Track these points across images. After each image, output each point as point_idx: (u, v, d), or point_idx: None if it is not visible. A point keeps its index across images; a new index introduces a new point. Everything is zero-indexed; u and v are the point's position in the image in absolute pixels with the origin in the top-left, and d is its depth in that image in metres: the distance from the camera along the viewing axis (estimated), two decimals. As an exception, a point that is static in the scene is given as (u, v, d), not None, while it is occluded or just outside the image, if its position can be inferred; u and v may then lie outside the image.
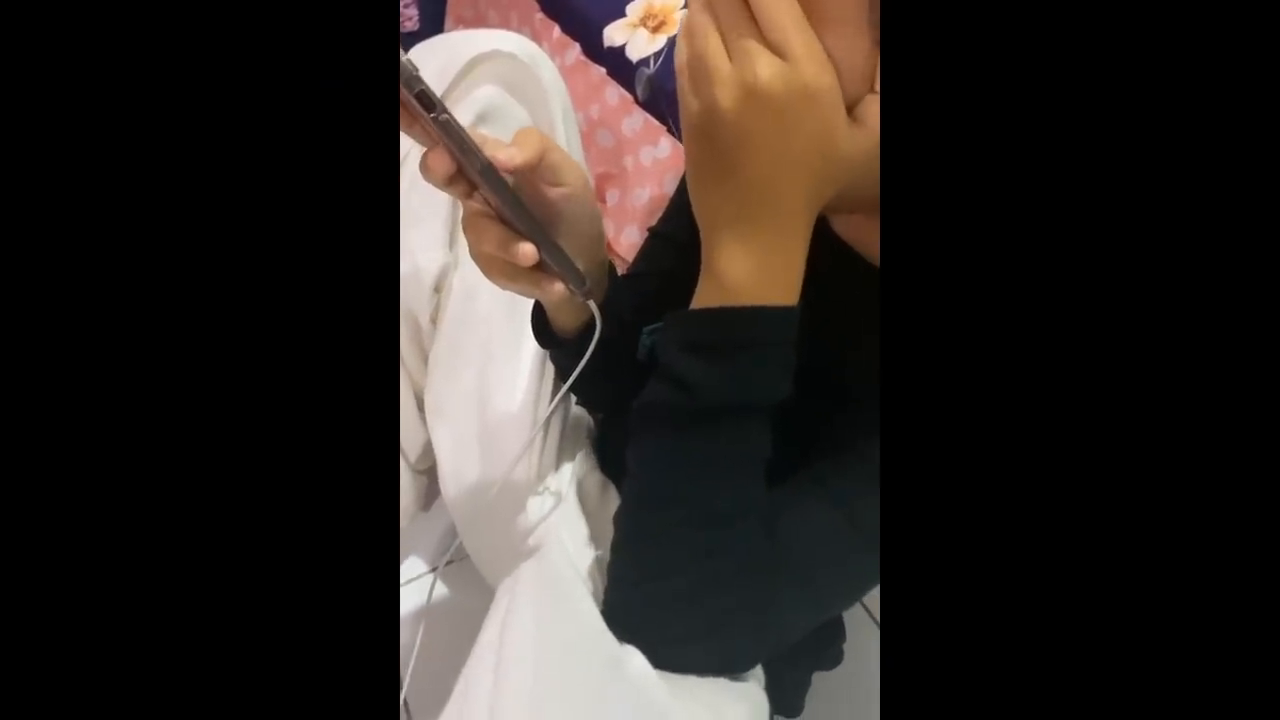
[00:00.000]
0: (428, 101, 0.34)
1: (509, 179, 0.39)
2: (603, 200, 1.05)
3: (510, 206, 0.39)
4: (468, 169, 0.37)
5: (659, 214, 0.96)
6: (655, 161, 0.94)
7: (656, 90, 0.92)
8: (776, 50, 0.33)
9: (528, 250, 0.39)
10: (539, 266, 0.41)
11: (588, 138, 1.01)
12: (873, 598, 0.81)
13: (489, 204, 0.40)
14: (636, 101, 0.95)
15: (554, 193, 0.42)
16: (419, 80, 0.33)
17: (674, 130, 0.91)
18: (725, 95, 0.33)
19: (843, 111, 0.34)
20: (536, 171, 0.40)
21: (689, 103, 0.36)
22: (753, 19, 0.33)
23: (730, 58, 0.34)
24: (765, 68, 0.33)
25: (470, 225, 0.41)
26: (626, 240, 1.00)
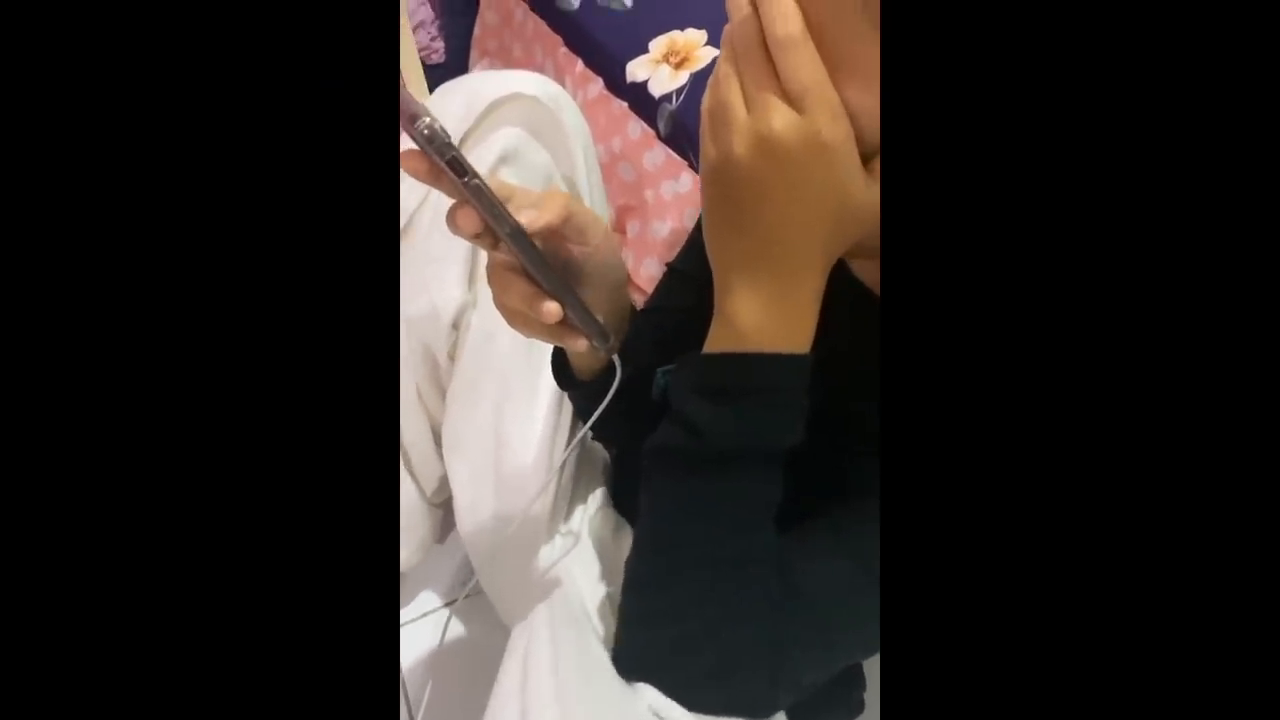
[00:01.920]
0: (459, 167, 0.35)
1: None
2: (623, 232, 1.06)
3: (537, 266, 0.40)
4: (497, 230, 0.38)
5: (678, 247, 0.97)
6: (676, 196, 0.95)
7: (678, 126, 0.92)
8: (793, 101, 0.33)
9: (553, 309, 0.40)
10: (563, 322, 0.42)
11: (609, 170, 1.02)
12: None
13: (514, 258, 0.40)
14: (658, 136, 0.95)
15: (578, 250, 0.43)
16: (451, 147, 0.34)
17: (695, 165, 0.92)
18: (740, 144, 0.34)
19: (857, 164, 0.34)
20: (562, 231, 0.41)
21: (707, 149, 0.36)
22: (774, 70, 0.33)
23: (748, 107, 0.34)
24: (779, 119, 0.33)
25: (495, 278, 0.42)
26: (646, 273, 1.01)
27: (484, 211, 0.37)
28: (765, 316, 0.37)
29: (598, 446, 0.69)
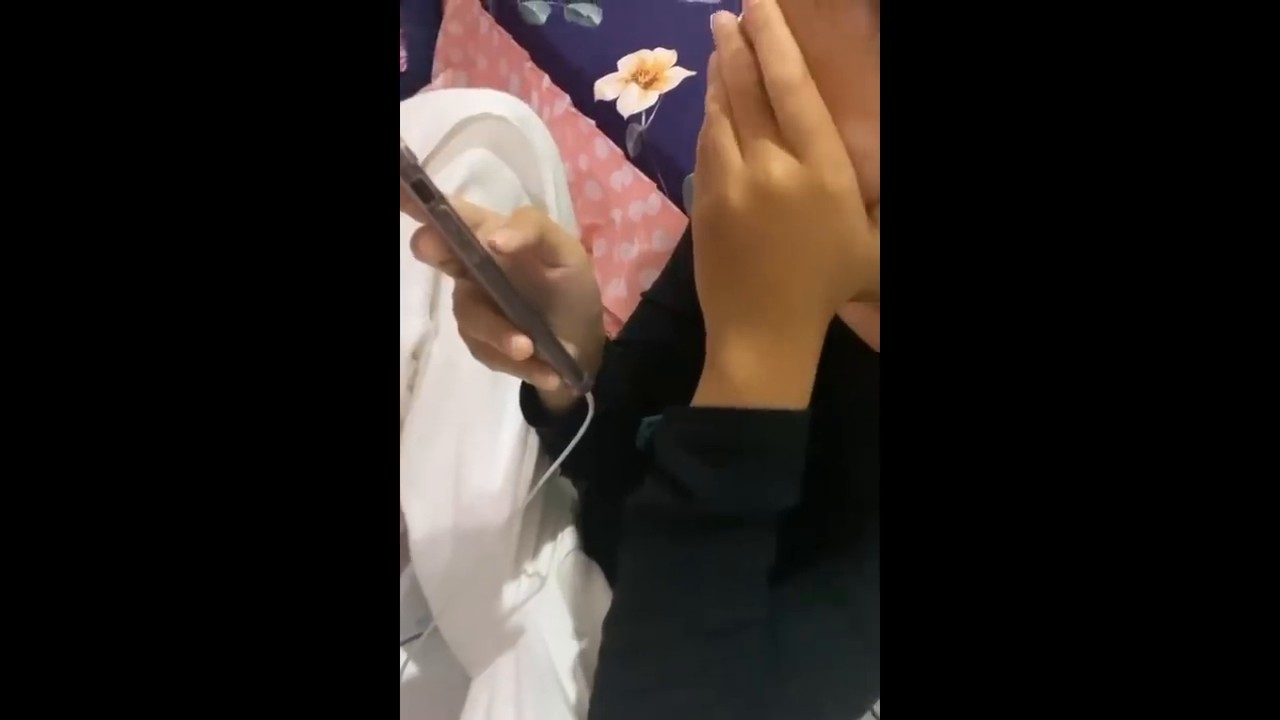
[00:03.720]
0: (425, 191, 0.33)
1: (504, 263, 0.37)
2: (589, 250, 1.03)
3: (506, 298, 0.37)
4: (464, 260, 0.35)
5: (648, 269, 0.95)
6: (645, 217, 0.93)
7: (647, 147, 0.90)
8: (793, 148, 0.31)
9: (522, 344, 0.38)
10: (533, 357, 0.39)
11: (575, 188, 0.99)
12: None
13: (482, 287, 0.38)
14: (627, 156, 0.94)
15: (553, 273, 0.40)
16: (418, 169, 0.32)
17: (664, 187, 0.90)
18: (736, 192, 0.32)
19: (862, 215, 0.32)
20: (535, 252, 0.38)
21: (699, 194, 0.34)
22: (771, 111, 0.31)
23: (743, 152, 0.32)
24: (779, 167, 0.31)
25: (461, 308, 0.39)
26: (613, 293, 0.98)
27: (451, 239, 0.34)
28: (761, 370, 0.35)
29: (565, 482, 0.66)
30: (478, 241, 0.35)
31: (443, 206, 0.33)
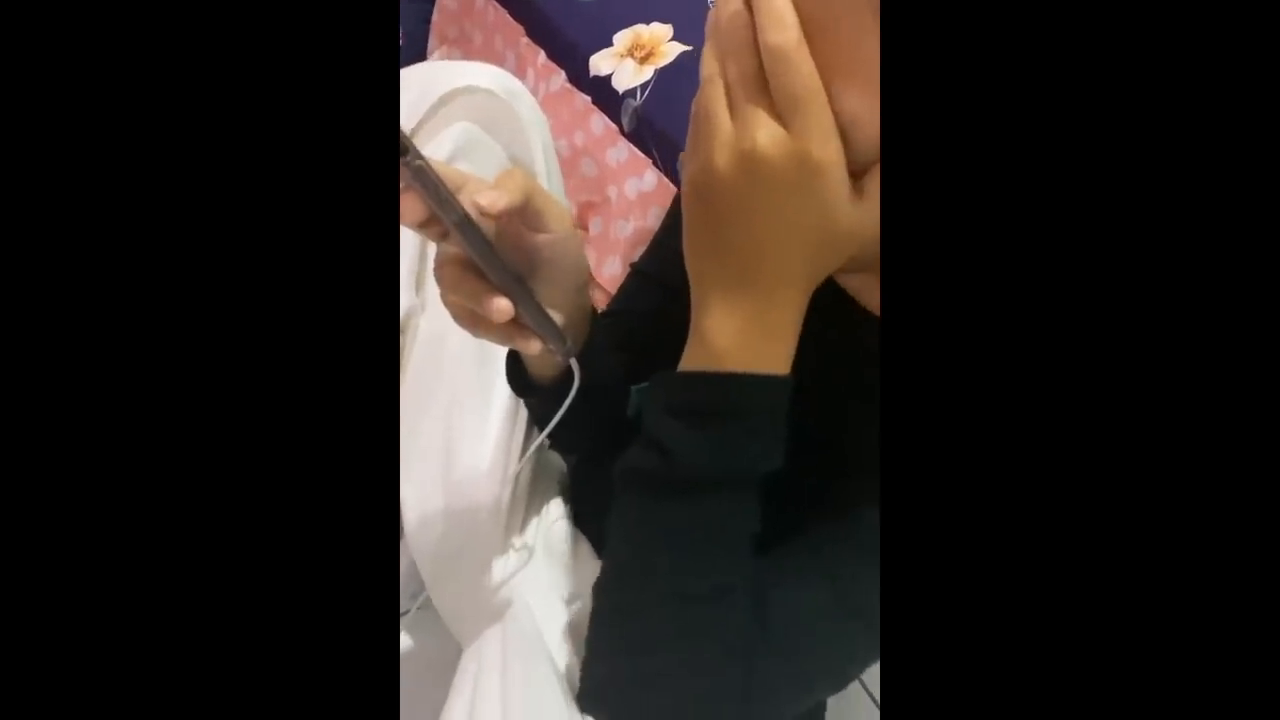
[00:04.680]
0: (399, 147, 0.31)
1: (489, 227, 0.36)
2: (585, 228, 1.03)
3: (486, 259, 0.37)
4: (443, 218, 0.34)
5: (642, 246, 0.95)
6: (640, 194, 0.92)
7: (642, 123, 0.90)
8: (782, 115, 0.30)
9: (503, 306, 0.37)
10: (515, 320, 0.39)
11: (571, 165, 0.99)
12: (871, 676, 0.79)
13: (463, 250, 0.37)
14: (622, 132, 0.93)
15: (538, 238, 0.40)
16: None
17: (659, 163, 0.89)
18: (722, 157, 0.32)
19: (845, 186, 0.32)
20: (521, 216, 0.38)
21: (689, 158, 0.34)
22: (764, 77, 0.31)
23: (733, 117, 0.32)
24: (765, 134, 0.31)
25: (443, 272, 0.39)
26: (608, 272, 0.98)
27: (428, 197, 0.33)
28: (743, 336, 0.35)
29: (555, 456, 0.66)
30: (456, 200, 0.34)
31: (418, 162, 0.32)
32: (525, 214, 0.38)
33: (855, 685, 0.80)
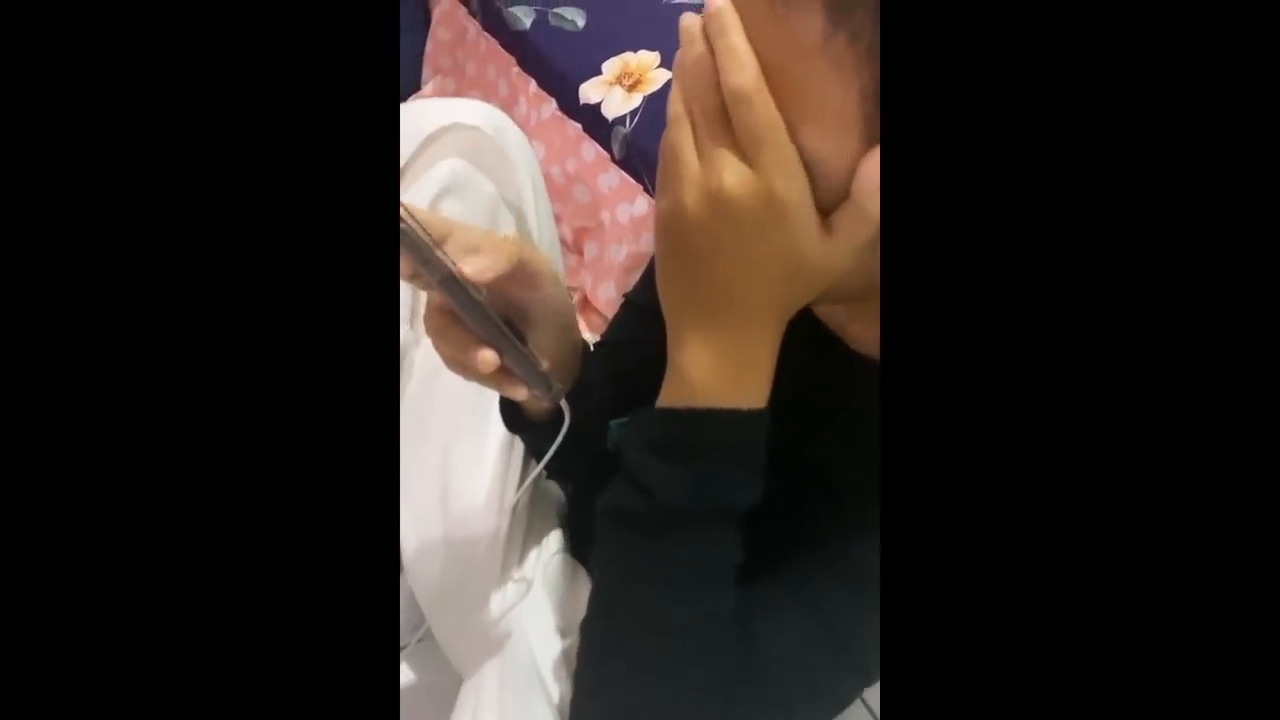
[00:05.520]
0: None
1: (478, 293, 0.37)
2: (580, 254, 1.03)
3: (471, 314, 0.38)
4: (427, 276, 0.35)
5: (636, 271, 0.96)
6: (632, 219, 0.93)
7: (632, 149, 0.91)
8: (746, 154, 0.31)
9: (487, 358, 0.38)
10: (501, 368, 0.40)
11: (564, 192, 1.00)
12: (871, 693, 0.78)
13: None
14: (613, 159, 0.94)
15: (528, 296, 0.41)
16: None
17: (650, 190, 0.90)
18: (690, 197, 0.32)
19: (812, 224, 0.32)
20: (511, 279, 0.39)
21: (659, 197, 0.35)
22: (729, 118, 0.31)
23: (700, 157, 0.32)
24: (730, 174, 0.31)
25: (431, 322, 0.40)
26: (604, 296, 0.99)
27: (412, 255, 0.34)
28: (718, 371, 0.35)
29: (553, 485, 0.66)
30: (439, 259, 0.35)
31: (404, 225, 0.33)
32: (517, 277, 0.39)
33: (857, 704, 0.80)
